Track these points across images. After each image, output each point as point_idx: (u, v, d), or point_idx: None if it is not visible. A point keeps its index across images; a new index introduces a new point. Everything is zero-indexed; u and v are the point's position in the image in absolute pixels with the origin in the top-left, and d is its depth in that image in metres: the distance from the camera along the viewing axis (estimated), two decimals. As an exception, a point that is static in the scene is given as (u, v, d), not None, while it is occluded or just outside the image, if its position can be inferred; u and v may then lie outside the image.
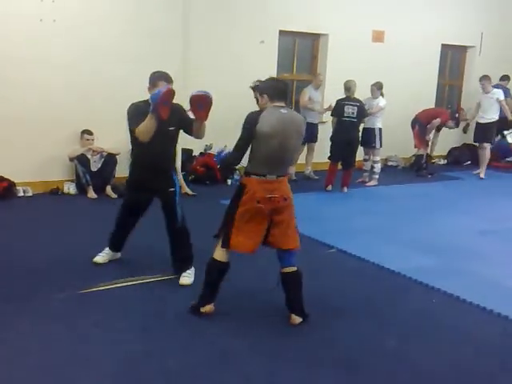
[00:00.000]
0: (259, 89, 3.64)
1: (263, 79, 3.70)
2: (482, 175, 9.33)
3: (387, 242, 5.57)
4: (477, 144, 9.76)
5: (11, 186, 6.57)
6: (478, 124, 9.49)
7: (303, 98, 8.20)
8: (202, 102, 3.89)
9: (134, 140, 4.13)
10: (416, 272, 4.70)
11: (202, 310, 3.71)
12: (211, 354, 3.31)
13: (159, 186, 4.26)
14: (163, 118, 3.89)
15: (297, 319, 3.72)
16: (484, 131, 9.31)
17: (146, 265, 4.60)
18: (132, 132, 4.07)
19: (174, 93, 3.91)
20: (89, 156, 6.97)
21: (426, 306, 4.15)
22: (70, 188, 6.98)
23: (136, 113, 4.03)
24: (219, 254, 3.66)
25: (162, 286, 4.24)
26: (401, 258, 5.12)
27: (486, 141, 9.32)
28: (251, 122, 3.48)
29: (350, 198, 7.53)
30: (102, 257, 4.63)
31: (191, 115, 4.08)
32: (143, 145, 4.03)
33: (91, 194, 6.84)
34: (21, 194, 6.68)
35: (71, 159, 6.97)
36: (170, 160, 4.40)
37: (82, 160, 6.90)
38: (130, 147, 4.37)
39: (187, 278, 4.31)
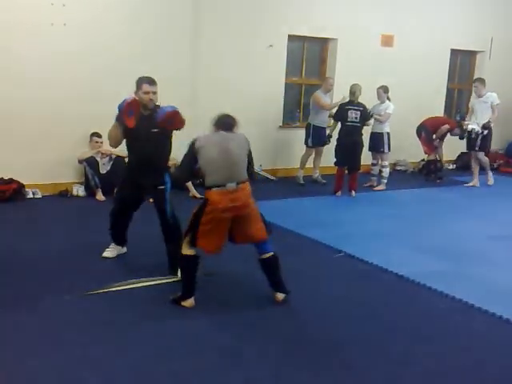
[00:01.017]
0: (213, 124, 3.98)
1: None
2: (489, 182, 9.00)
3: (396, 247, 5.55)
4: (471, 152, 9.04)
5: (21, 187, 6.61)
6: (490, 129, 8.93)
7: (321, 101, 8.15)
8: (171, 119, 4.18)
9: (126, 142, 4.49)
10: (425, 277, 4.67)
11: (183, 303, 3.91)
12: (221, 357, 3.31)
13: (149, 184, 4.45)
14: (129, 126, 4.21)
15: (281, 296, 4.03)
16: (477, 139, 8.73)
17: (156, 266, 4.59)
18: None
19: (138, 103, 4.23)
20: (98, 158, 7.01)
21: (434, 311, 4.12)
22: (79, 190, 7.02)
23: (117, 119, 4.37)
24: (189, 251, 3.91)
25: (172, 287, 4.24)
26: (409, 262, 5.10)
27: (480, 149, 8.76)
28: (190, 146, 3.88)
29: (359, 203, 7.51)
30: (111, 251, 4.82)
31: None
32: (133, 147, 4.43)
33: (100, 196, 6.87)
34: (30, 195, 6.72)
35: (80, 161, 7.01)
36: (161, 159, 4.52)
37: (91, 162, 6.93)
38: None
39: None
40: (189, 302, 3.91)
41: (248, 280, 4.43)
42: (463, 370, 3.34)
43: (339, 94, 8.43)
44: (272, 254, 4.01)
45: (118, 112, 4.22)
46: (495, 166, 10.63)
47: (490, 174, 9.08)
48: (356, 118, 7.56)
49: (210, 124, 3.99)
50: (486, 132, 8.66)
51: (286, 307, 4.04)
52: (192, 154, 3.84)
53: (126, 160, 4.78)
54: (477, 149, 8.78)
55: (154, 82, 4.34)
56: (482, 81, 8.74)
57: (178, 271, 4.35)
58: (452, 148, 10.54)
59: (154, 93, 4.32)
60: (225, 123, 3.95)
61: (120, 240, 4.86)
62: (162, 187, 4.46)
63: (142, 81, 4.34)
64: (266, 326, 3.75)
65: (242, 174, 3.86)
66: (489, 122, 8.58)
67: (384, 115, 8.13)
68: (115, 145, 4.50)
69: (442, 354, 3.50)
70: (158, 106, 4.33)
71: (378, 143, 8.29)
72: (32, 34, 6.51)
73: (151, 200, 4.61)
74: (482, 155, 8.84)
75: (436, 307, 4.19)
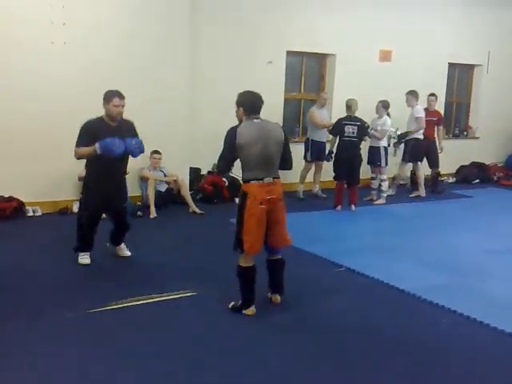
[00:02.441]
0: (237, 102, 4.17)
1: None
2: (422, 194, 8.95)
3: (396, 261, 5.53)
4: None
5: (21, 205, 6.61)
6: (414, 140, 8.75)
7: (316, 118, 8.21)
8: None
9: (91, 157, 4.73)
10: (426, 291, 4.66)
11: (245, 312, 4.05)
12: (230, 372, 3.29)
13: (116, 196, 4.93)
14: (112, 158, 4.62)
15: (279, 298, 4.28)
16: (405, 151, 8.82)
17: (154, 284, 4.59)
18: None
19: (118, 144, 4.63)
20: (98, 175, 7.01)
21: (437, 325, 4.10)
22: (79, 207, 7.01)
23: (88, 133, 4.69)
24: (245, 263, 4.06)
25: (171, 304, 4.24)
26: (410, 276, 5.08)
27: (408, 160, 8.91)
28: (230, 137, 4.01)
29: (359, 217, 7.51)
30: (86, 258, 4.99)
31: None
32: (99, 159, 4.62)
33: (100, 213, 6.87)
34: (30, 213, 6.71)
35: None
36: (124, 171, 4.99)
37: (91, 179, 6.94)
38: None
39: (126, 250, 5.19)
40: (250, 310, 4.07)
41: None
42: (467, 381, 3.32)
43: (337, 109, 8.49)
44: (281, 257, 4.26)
45: (104, 149, 4.55)
46: (495, 179, 10.67)
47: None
48: (353, 132, 7.59)
49: (236, 104, 4.13)
50: (402, 142, 8.66)
51: (288, 320, 4.02)
52: (233, 148, 3.98)
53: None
54: (406, 161, 8.91)
55: (123, 96, 4.78)
56: (412, 93, 8.68)
57: (120, 243, 5.12)
58: (452, 161, 10.58)
59: (123, 106, 4.77)
60: (255, 106, 4.10)
61: (89, 246, 5.03)
62: (125, 204, 5.04)
63: (112, 95, 4.73)
64: (266, 338, 3.73)
65: (276, 171, 4.14)
66: (406, 133, 8.52)
67: (380, 132, 8.15)
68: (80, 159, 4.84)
69: (446, 367, 3.48)
70: (123, 119, 4.83)
71: (375, 157, 8.32)
72: (32, 51, 6.54)
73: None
74: (406, 167, 9.03)
75: (438, 321, 4.18)
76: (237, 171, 4.21)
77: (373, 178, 8.62)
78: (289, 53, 8.66)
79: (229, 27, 8.03)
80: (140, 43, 7.18)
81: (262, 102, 4.14)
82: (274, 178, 4.06)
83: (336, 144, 7.82)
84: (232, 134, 4.00)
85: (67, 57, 6.73)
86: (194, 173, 7.90)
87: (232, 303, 4.13)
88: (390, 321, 4.15)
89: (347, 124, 7.61)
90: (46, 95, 6.67)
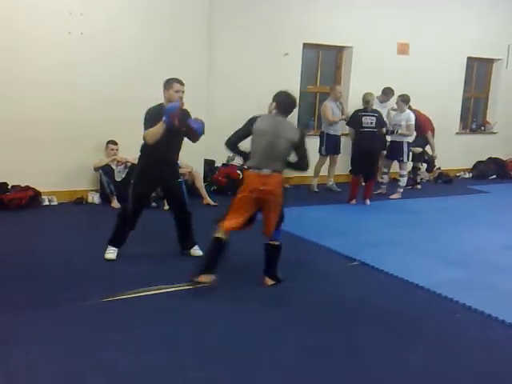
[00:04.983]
0: (273, 97, 4.42)
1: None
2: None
3: (411, 255, 5.50)
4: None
5: (37, 195, 6.67)
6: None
7: (328, 113, 8.17)
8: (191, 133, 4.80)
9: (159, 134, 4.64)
10: (440, 286, 4.63)
11: (202, 278, 4.24)
12: (238, 365, 3.30)
13: (169, 176, 4.93)
14: (176, 125, 4.59)
15: (269, 281, 4.46)
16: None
17: (168, 274, 4.60)
18: None
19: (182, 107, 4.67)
20: (113, 166, 7.05)
21: (450, 321, 4.07)
22: (95, 197, 7.06)
23: (153, 117, 4.66)
24: (216, 232, 4.28)
25: (185, 294, 4.25)
26: (425, 271, 5.05)
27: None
28: (250, 121, 4.32)
29: (374, 211, 7.46)
30: (113, 253, 4.93)
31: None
32: (159, 142, 4.61)
33: (115, 203, 6.90)
34: (46, 203, 6.78)
35: (96, 169, 7.06)
36: (177, 154, 5.02)
37: (106, 170, 6.98)
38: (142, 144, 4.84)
39: (198, 250, 5.04)
40: (208, 277, 4.24)
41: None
42: (481, 380, 3.29)
43: (353, 102, 8.43)
44: (279, 243, 4.44)
45: (167, 115, 4.52)
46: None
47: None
48: (372, 123, 7.52)
49: (273, 99, 4.39)
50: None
51: (302, 311, 4.02)
52: (248, 130, 4.31)
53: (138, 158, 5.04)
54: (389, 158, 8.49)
55: (183, 82, 4.80)
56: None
57: (193, 245, 5.06)
58: (468, 157, 10.48)
59: (183, 92, 4.76)
60: (287, 108, 4.35)
61: (121, 243, 4.97)
62: (180, 180, 5.04)
63: (172, 81, 4.78)
64: (278, 333, 3.73)
65: (279, 166, 4.29)
66: (395, 131, 8.04)
67: (408, 127, 8.01)
68: (153, 142, 4.67)
69: (459, 363, 3.45)
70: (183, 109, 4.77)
71: (397, 152, 8.19)
72: (49, 42, 6.58)
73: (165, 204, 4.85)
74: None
75: (452, 317, 4.14)
76: (238, 160, 4.38)
77: (384, 173, 8.53)
78: (305, 45, 8.61)
79: (246, 20, 8.01)
80: (157, 35, 7.18)
81: (295, 106, 4.39)
82: (273, 171, 4.23)
83: (354, 137, 7.77)
84: (253, 119, 4.32)
85: (84, 47, 6.76)
86: (209, 165, 7.91)
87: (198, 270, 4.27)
88: (403, 315, 4.12)
89: (364, 115, 7.54)
90: (61, 86, 6.70)
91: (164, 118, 4.53)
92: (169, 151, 4.87)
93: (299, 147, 4.31)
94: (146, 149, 4.85)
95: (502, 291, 4.67)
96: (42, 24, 6.53)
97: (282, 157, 4.30)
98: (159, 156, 4.79)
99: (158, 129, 4.58)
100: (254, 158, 4.28)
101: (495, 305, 4.32)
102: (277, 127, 4.25)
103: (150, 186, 5.04)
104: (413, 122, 8.05)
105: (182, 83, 4.79)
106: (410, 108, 8.22)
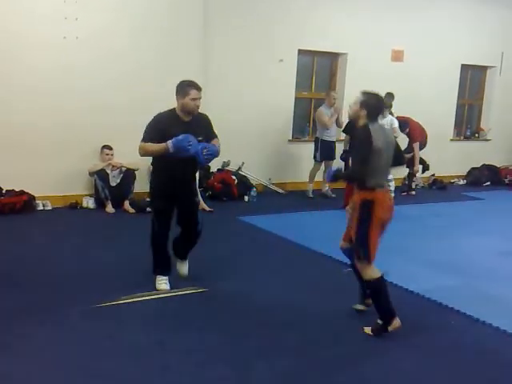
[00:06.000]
0: (362, 101, 3.88)
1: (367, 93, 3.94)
2: None
3: (406, 262, 5.50)
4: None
5: (31, 199, 6.64)
6: None
7: (324, 118, 8.18)
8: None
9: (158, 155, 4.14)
10: (434, 292, 4.63)
11: (390, 328, 3.79)
12: (231, 370, 3.28)
13: (185, 194, 4.34)
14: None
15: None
16: None
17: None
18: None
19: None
20: (108, 171, 7.03)
21: (445, 328, 4.07)
22: (89, 202, 7.04)
23: (154, 129, 4.09)
24: (374, 272, 3.89)
25: (179, 300, 4.24)
26: (420, 277, 5.05)
27: None
28: (368, 137, 3.69)
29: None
30: (165, 283, 4.42)
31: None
32: (165, 161, 4.09)
33: (109, 208, 6.89)
34: (40, 207, 6.75)
35: (91, 174, 7.04)
36: (195, 168, 4.47)
37: (101, 175, 6.97)
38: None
39: (186, 267, 4.60)
40: (395, 323, 3.80)
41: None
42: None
43: (348, 108, 8.44)
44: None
45: (176, 147, 3.90)
46: (506, 182, 10.59)
47: None
48: None
49: (360, 104, 3.84)
50: None
51: (296, 318, 4.01)
52: (370, 148, 3.69)
53: (146, 175, 4.69)
54: None
55: (200, 87, 4.13)
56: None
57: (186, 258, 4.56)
58: (463, 163, 10.53)
59: (200, 99, 4.13)
60: (379, 113, 3.94)
61: (166, 267, 4.47)
62: (197, 199, 4.51)
63: (189, 86, 4.06)
64: (273, 339, 3.72)
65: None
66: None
67: (394, 131, 8.02)
68: (145, 157, 4.29)
69: (456, 370, 3.45)
70: (203, 115, 4.28)
71: None
72: (45, 46, 6.59)
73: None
74: None
75: (447, 323, 4.14)
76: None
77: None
78: (300, 51, 8.64)
79: (241, 25, 8.02)
80: (152, 39, 7.20)
81: (385, 107, 4.05)
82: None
83: (348, 143, 7.78)
84: (368, 133, 3.70)
85: (79, 51, 6.76)
86: (204, 170, 7.90)
87: (377, 325, 3.84)
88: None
89: None
90: (57, 91, 6.71)
91: (171, 146, 3.90)
92: (181, 169, 4.16)
93: (396, 146, 4.01)
94: (156, 164, 4.32)
95: (496, 297, 4.67)
96: (39, 28, 6.53)
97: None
98: (171, 174, 4.18)
99: (158, 151, 4.00)
100: (376, 176, 3.77)
101: (490, 311, 4.32)
102: (388, 139, 3.86)
103: (166, 202, 4.31)
104: (396, 124, 8.05)
105: (199, 89, 4.08)
106: (391, 114, 8.20)
